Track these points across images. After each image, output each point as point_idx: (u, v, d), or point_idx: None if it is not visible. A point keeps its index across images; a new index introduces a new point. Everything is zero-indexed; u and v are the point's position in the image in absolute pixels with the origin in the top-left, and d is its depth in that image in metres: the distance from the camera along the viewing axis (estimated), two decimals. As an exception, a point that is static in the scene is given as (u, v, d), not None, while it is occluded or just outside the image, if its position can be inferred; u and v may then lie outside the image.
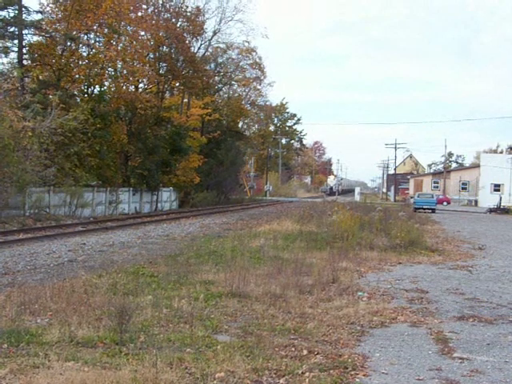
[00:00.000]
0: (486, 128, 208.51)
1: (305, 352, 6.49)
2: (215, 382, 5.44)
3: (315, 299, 9.42)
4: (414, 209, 43.76)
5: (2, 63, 30.71)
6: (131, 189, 36.16)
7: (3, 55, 29.95)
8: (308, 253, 14.98)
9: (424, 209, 45.75)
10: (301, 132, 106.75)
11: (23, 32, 29.99)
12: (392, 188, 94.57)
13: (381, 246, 17.07)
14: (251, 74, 58.80)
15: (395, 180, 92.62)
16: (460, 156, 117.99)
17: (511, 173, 65.79)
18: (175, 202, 43.75)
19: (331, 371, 5.89)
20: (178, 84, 45.53)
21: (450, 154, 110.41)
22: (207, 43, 49.08)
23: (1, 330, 6.70)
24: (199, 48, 48.19)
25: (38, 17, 30.57)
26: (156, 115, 38.81)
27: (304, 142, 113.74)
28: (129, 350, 6.26)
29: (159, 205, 40.04)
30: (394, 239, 17.67)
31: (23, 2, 29.62)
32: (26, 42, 30.56)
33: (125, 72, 34.94)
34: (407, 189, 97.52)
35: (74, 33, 30.89)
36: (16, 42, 30.05)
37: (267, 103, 71.91)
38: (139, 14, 36.61)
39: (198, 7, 44.88)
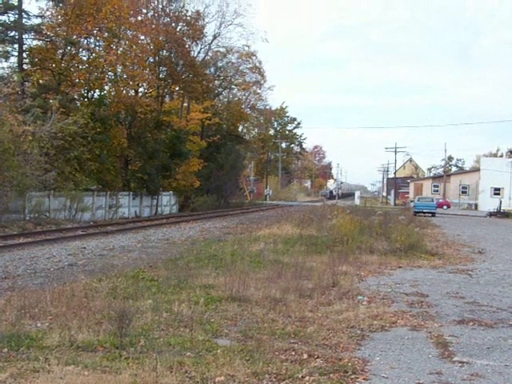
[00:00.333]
0: (486, 131, 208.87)
1: (305, 356, 6.49)
2: (215, 385, 5.44)
3: (315, 303, 9.41)
4: (413, 213, 43.70)
5: (3, 68, 30.69)
6: (131, 193, 36.18)
7: (3, 59, 30.01)
8: (308, 257, 14.95)
9: (424, 212, 45.74)
10: (301, 136, 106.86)
11: (23, 36, 30.06)
12: (392, 192, 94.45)
13: (381, 249, 17.05)
14: (251, 78, 58.94)
15: (395, 184, 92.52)
16: (460, 160, 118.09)
17: (511, 176, 65.75)
18: (175, 206, 43.75)
19: (331, 375, 5.89)
20: (177, 88, 45.59)
21: (450, 158, 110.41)
22: (207, 47, 49.24)
23: (1, 334, 6.70)
24: (199, 52, 48.35)
25: (38, 21, 30.69)
26: (156, 119, 38.82)
27: (304, 145, 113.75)
28: (129, 353, 6.26)
29: (159, 209, 40.04)
30: (394, 243, 17.65)
31: (23, 7, 29.71)
32: (26, 46, 30.64)
33: (125, 76, 35.02)
34: (407, 193, 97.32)
35: (74, 37, 31.01)
36: (16, 46, 30.12)
37: (267, 107, 72.03)
38: (139, 18, 36.82)
39: (197, 11, 45.14)
